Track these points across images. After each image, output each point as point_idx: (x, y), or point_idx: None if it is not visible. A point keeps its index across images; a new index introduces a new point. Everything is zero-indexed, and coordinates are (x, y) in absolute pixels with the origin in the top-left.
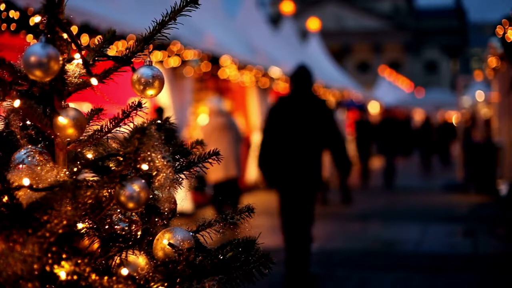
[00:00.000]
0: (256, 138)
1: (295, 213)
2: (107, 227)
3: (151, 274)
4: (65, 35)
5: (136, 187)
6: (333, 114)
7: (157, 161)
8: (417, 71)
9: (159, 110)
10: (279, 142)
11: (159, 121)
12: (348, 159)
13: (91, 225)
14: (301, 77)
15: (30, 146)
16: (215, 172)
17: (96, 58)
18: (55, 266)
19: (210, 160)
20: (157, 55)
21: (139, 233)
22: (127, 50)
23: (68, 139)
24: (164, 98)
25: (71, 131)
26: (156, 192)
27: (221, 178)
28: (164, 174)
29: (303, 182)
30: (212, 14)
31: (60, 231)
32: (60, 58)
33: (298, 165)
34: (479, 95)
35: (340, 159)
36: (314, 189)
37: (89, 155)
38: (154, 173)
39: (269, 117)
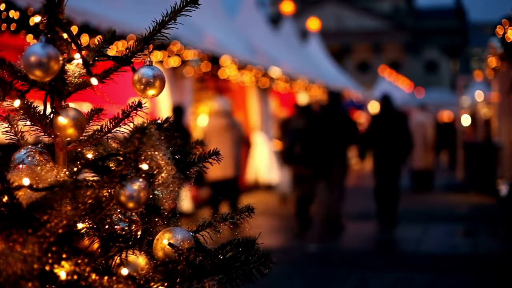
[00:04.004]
0: (256, 138)
1: (390, 177)
2: (107, 227)
3: (151, 274)
4: (65, 35)
5: (136, 187)
6: (407, 124)
7: (159, 159)
8: (417, 71)
9: (177, 110)
10: (377, 140)
11: (177, 121)
12: (411, 147)
13: (91, 225)
14: (386, 101)
15: (30, 146)
16: (213, 172)
17: (96, 58)
18: (55, 266)
19: (210, 160)
20: (157, 55)
21: (139, 233)
22: (127, 50)
23: (68, 139)
24: (164, 98)
25: (71, 131)
26: (156, 192)
27: (219, 177)
28: (167, 172)
29: (394, 160)
30: (212, 14)
31: (60, 231)
32: (60, 58)
33: (390, 152)
34: (479, 95)
35: (407, 146)
36: (401, 163)
37: (89, 155)
38: (155, 172)
39: (370, 125)
